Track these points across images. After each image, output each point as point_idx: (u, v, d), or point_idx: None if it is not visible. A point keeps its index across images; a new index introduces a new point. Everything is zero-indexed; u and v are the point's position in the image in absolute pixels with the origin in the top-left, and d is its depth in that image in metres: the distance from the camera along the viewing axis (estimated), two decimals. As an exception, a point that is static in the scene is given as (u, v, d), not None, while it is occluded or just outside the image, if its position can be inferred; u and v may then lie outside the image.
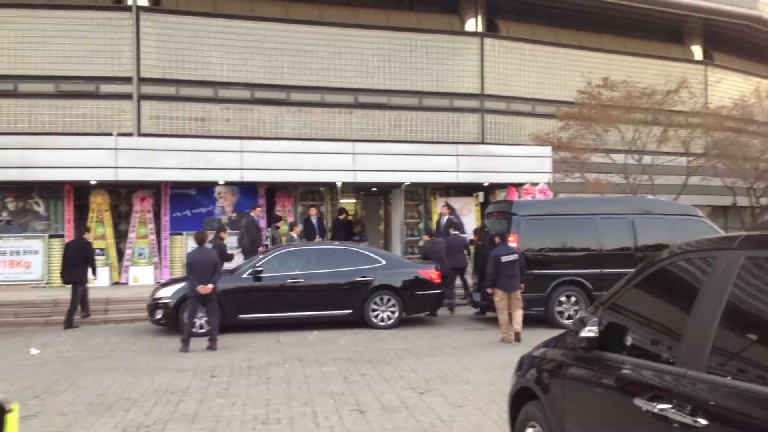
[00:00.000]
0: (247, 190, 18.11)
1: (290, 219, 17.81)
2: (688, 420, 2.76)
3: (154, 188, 17.48)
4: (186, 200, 17.75)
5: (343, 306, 12.38)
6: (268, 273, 12.27)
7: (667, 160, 21.70)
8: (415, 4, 23.86)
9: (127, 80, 20.21)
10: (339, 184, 18.04)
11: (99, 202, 17.21)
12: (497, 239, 11.44)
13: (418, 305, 12.81)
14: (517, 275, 11.06)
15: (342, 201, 19.07)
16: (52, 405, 7.20)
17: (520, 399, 4.51)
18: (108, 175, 16.01)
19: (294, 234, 15.49)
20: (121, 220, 17.63)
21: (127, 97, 20.26)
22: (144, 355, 10.21)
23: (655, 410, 2.95)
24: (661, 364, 3.16)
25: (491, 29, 24.38)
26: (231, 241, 17.02)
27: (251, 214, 15.86)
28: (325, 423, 6.38)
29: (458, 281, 14.88)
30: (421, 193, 19.75)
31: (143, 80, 20.39)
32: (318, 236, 16.45)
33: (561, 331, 4.43)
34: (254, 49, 21.28)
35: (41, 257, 16.77)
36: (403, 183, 18.23)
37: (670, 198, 20.49)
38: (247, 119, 21.33)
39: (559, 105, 22.86)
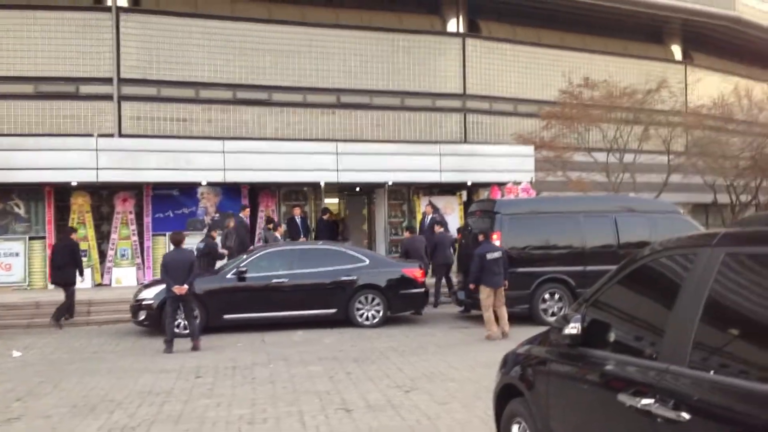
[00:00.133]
0: (230, 191, 18.05)
1: (275, 218, 17.77)
2: (671, 415, 2.80)
3: (135, 189, 17.37)
4: (168, 201, 17.66)
5: (328, 305, 12.39)
6: (252, 273, 12.25)
7: (648, 159, 21.90)
8: (396, 4, 23.88)
9: (107, 81, 20.06)
10: (322, 184, 18.03)
11: (80, 204, 17.09)
12: (481, 237, 11.52)
13: (403, 304, 12.84)
14: (502, 273, 11.20)
15: (326, 201, 19.07)
16: (35, 407, 7.15)
17: (505, 396, 4.55)
18: (89, 177, 15.88)
19: (278, 234, 15.47)
20: (102, 221, 17.50)
21: (107, 98, 20.11)
22: (128, 356, 10.15)
23: (639, 405, 2.99)
24: (644, 360, 3.20)
25: (473, 30, 24.47)
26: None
27: (240, 215, 15.85)
28: (311, 422, 6.39)
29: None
30: (404, 193, 19.80)
31: (124, 81, 20.25)
32: (302, 236, 16.44)
33: (545, 329, 4.47)
34: (236, 50, 21.21)
35: (22, 259, 16.62)
36: (386, 183, 18.26)
37: (652, 196, 20.71)
38: (229, 120, 21.25)
39: (541, 104, 22.99)
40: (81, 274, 13.61)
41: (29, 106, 19.66)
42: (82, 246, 16.32)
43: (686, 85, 26.26)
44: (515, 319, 11.84)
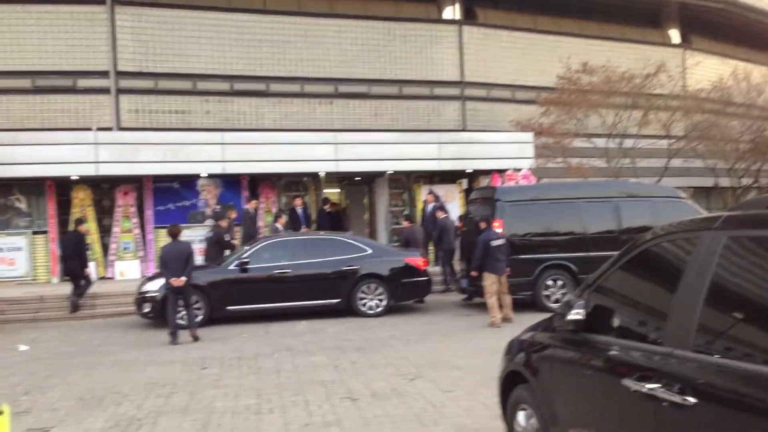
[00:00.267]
0: (229, 182, 18.06)
1: (274, 210, 17.80)
2: (677, 398, 2.83)
3: (136, 182, 17.38)
4: (169, 194, 17.67)
5: (331, 295, 12.43)
6: (255, 264, 12.29)
7: (648, 143, 21.90)
8: (393, -8, 23.82)
9: (104, 74, 20.03)
10: (322, 174, 18.03)
11: (81, 198, 17.10)
12: (483, 225, 11.55)
13: (406, 293, 12.88)
14: (504, 259, 11.28)
15: (326, 191, 19.09)
16: (42, 401, 7.20)
17: (510, 383, 4.58)
18: (89, 170, 15.88)
19: (279, 225, 15.50)
20: (104, 214, 17.52)
21: (105, 91, 20.08)
22: (133, 348, 10.20)
23: (644, 390, 3.01)
24: (648, 345, 3.22)
25: (469, 17, 24.40)
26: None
27: (247, 206, 15.93)
28: (317, 411, 6.44)
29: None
30: (404, 182, 19.80)
31: (121, 74, 20.22)
32: (303, 226, 16.47)
33: (548, 315, 4.50)
34: (232, 41, 21.15)
35: (25, 254, 16.66)
36: (386, 172, 18.26)
37: (653, 180, 20.72)
38: (227, 111, 21.23)
39: (539, 91, 22.94)
40: (84, 266, 13.70)
41: (27, 101, 19.64)
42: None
43: (684, 68, 26.21)
44: (518, 305, 11.90)
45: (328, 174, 18.08)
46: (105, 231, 17.37)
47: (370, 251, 12.89)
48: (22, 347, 10.49)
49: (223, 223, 14.49)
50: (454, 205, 18.96)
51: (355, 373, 7.94)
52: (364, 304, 12.48)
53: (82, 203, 17.04)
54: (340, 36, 22.23)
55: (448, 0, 24.19)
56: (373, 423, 6.02)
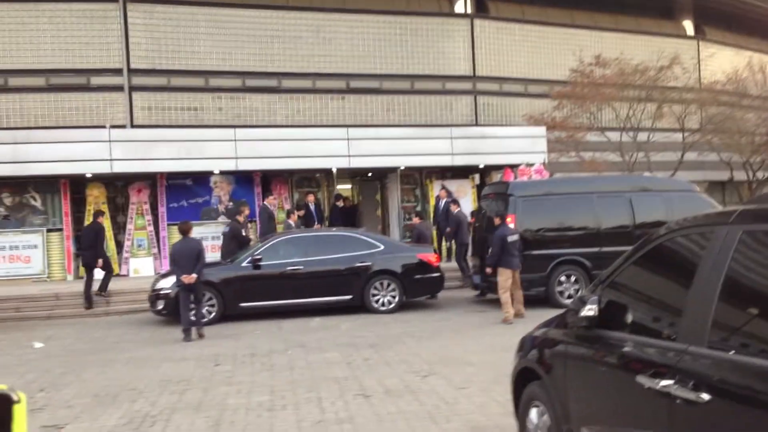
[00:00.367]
0: (242, 179, 18.12)
1: (286, 206, 17.84)
2: (691, 396, 2.79)
3: (149, 179, 17.49)
4: (182, 190, 17.76)
5: (344, 292, 12.44)
6: (267, 261, 12.31)
7: (662, 137, 21.72)
8: (404, -14, 23.73)
9: (117, 72, 20.10)
10: (334, 170, 18.04)
11: (96, 195, 17.22)
12: (497, 220, 11.51)
13: (419, 289, 12.87)
14: (518, 255, 11.27)
15: (338, 187, 19.09)
16: (58, 398, 7.25)
17: (523, 379, 4.55)
18: (103, 168, 15.98)
19: (292, 221, 15.52)
20: (118, 212, 17.65)
21: (118, 88, 20.16)
22: (147, 345, 10.26)
23: (658, 387, 2.98)
24: (662, 341, 3.19)
25: (481, 10, 24.26)
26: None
27: (264, 203, 15.99)
28: (330, 408, 6.44)
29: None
30: (417, 177, 19.78)
31: (134, 71, 20.28)
32: (316, 223, 16.49)
33: (561, 311, 4.47)
34: (244, 37, 21.16)
35: (41, 251, 16.81)
36: (398, 167, 18.23)
37: (667, 174, 20.54)
38: (240, 107, 21.25)
39: (552, 84, 22.79)
40: (99, 256, 13.79)
41: (41, 99, 19.74)
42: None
43: (699, 60, 25.97)
44: (531, 301, 11.85)
45: (341, 170, 18.08)
46: (119, 228, 17.48)
47: (382, 247, 12.87)
48: (38, 344, 10.58)
49: (241, 218, 14.56)
50: (467, 200, 18.90)
51: (368, 370, 7.93)
52: (376, 301, 12.47)
53: (96, 201, 17.17)
54: (351, 31, 22.18)
55: (460, -7, 24.09)
56: (386, 420, 6.01)
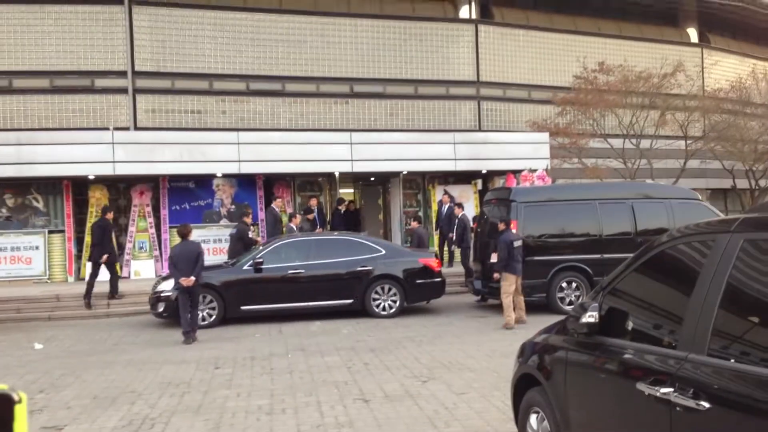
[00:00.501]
0: (245, 182, 18.13)
1: (289, 210, 17.85)
2: (690, 403, 2.79)
3: (152, 182, 17.50)
4: (185, 193, 17.78)
5: (345, 296, 12.43)
6: (269, 264, 12.30)
7: (665, 144, 21.72)
8: (409, -9, 23.77)
9: (121, 74, 20.15)
10: (337, 174, 18.04)
11: (98, 197, 17.24)
12: (502, 226, 11.48)
13: (420, 293, 12.85)
14: (522, 260, 11.29)
15: (341, 191, 19.09)
16: (57, 399, 7.25)
17: (523, 385, 4.54)
18: (106, 170, 16.01)
19: (293, 225, 15.52)
20: (120, 214, 17.66)
21: (122, 91, 20.21)
22: (147, 348, 10.25)
23: (658, 394, 2.97)
24: (663, 348, 3.18)
25: (485, 15, 24.31)
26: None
27: (272, 205, 16.02)
28: (330, 412, 6.42)
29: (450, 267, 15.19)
30: (419, 182, 19.79)
31: (138, 74, 20.34)
32: (318, 227, 16.49)
33: (562, 317, 4.46)
34: (248, 41, 21.21)
35: (42, 253, 16.82)
36: (401, 172, 18.24)
37: (669, 182, 20.53)
38: (243, 111, 21.29)
39: (555, 90, 22.81)
40: (105, 251, 13.81)
41: (45, 101, 19.80)
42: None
43: (703, 68, 25.97)
44: (532, 307, 11.85)
45: (343, 174, 18.08)
46: (121, 230, 17.50)
47: (383, 252, 12.86)
48: (38, 345, 10.58)
49: (248, 219, 14.61)
50: (469, 206, 18.91)
51: (368, 374, 7.92)
52: (377, 305, 12.46)
53: (98, 202, 17.17)
54: (355, 35, 22.22)
55: (464, -1, 24.13)
56: (385, 424, 5.99)
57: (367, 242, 13.12)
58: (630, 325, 3.55)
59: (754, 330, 2.87)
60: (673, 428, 2.94)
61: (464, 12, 24.13)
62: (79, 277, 16.95)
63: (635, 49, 24.95)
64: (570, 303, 12.14)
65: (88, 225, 16.95)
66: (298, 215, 16.37)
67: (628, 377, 3.31)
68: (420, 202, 19.84)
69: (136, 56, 20.29)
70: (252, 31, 21.25)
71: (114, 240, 15.41)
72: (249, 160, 16.75)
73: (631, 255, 3.88)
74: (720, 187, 25.79)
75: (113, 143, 16.06)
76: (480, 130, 22.91)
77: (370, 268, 12.51)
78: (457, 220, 15.93)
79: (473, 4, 24.06)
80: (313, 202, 17.23)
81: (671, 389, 2.91)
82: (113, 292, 13.92)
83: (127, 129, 19.54)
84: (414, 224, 16.02)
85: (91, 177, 16.58)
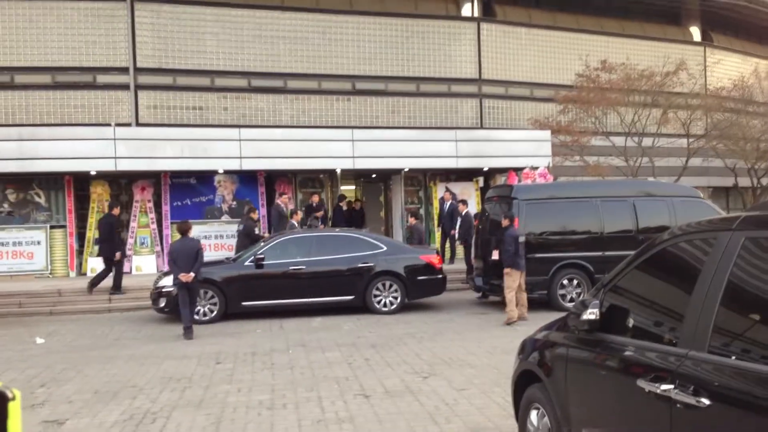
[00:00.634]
0: (246, 179, 18.14)
1: (291, 206, 17.87)
2: (691, 400, 2.79)
3: (153, 178, 17.52)
4: (186, 189, 17.80)
5: (346, 292, 12.44)
6: (270, 260, 12.31)
7: (667, 142, 21.70)
8: (411, -12, 23.74)
9: (123, 70, 20.14)
10: (338, 171, 18.04)
11: (99, 193, 17.27)
12: (506, 222, 11.48)
13: (421, 290, 12.85)
14: (524, 257, 11.32)
15: (342, 188, 19.11)
16: (59, 393, 7.27)
17: (523, 382, 4.55)
18: (107, 165, 16.03)
19: (294, 221, 15.54)
20: (121, 209, 17.64)
21: (124, 87, 20.19)
22: (149, 343, 10.27)
23: (658, 391, 2.98)
24: (664, 345, 3.19)
25: (487, 13, 24.27)
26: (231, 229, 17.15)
27: (277, 201, 16.05)
28: (330, 407, 6.44)
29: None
30: (421, 179, 19.79)
31: (140, 70, 20.32)
32: (320, 223, 16.51)
33: (563, 314, 4.47)
34: (250, 37, 21.19)
35: (44, 248, 16.85)
36: (402, 169, 18.24)
37: (671, 180, 20.53)
38: (245, 108, 21.27)
39: (557, 88, 22.79)
40: (117, 249, 13.90)
41: (47, 96, 19.79)
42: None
43: (705, 66, 25.93)
44: (533, 304, 11.87)
45: (345, 171, 18.09)
46: (122, 226, 17.50)
47: (385, 248, 12.87)
48: (39, 340, 10.61)
49: (254, 215, 14.67)
50: (471, 203, 18.91)
51: (369, 370, 7.94)
52: (378, 301, 12.47)
53: (100, 198, 17.21)
54: (358, 33, 22.20)
55: (467, -3, 24.10)
56: (386, 420, 6.01)
57: (368, 239, 13.13)
58: (631, 322, 3.56)
59: (755, 328, 2.88)
60: (673, 425, 2.94)
61: (466, 10, 24.10)
62: (80, 272, 16.99)
63: (638, 47, 24.90)
64: (571, 300, 12.15)
65: (90, 220, 17.03)
66: (299, 211, 16.41)
67: (629, 374, 3.31)
68: (421, 199, 19.85)
69: (138, 52, 20.27)
70: (254, 28, 21.23)
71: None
72: (250, 157, 16.77)
73: (633, 253, 3.89)
74: (722, 185, 25.77)
75: (115, 139, 16.09)
76: (482, 127, 22.88)
77: (371, 264, 12.52)
78: (461, 218, 15.92)
79: (476, 2, 24.02)
80: (315, 198, 17.24)
81: (672, 386, 2.92)
82: (116, 288, 13.95)
83: (128, 125, 19.53)
84: (411, 220, 16.06)
85: (93, 173, 16.61)
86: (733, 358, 2.76)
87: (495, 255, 12.19)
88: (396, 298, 12.52)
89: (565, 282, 12.50)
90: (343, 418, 6.09)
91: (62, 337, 10.95)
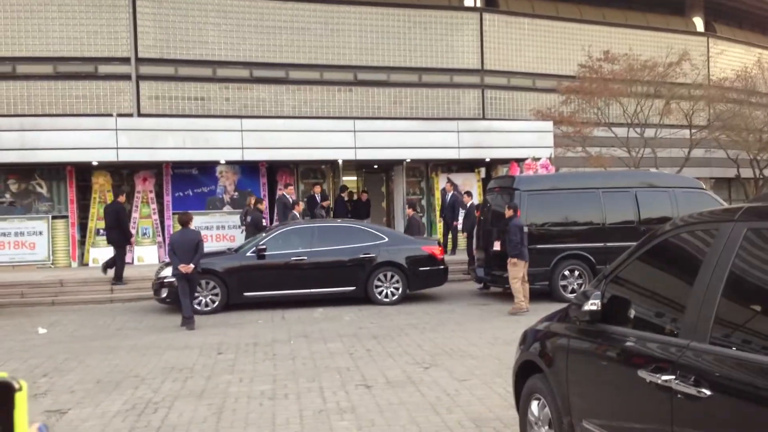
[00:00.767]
0: (248, 169, 18.13)
1: (293, 196, 17.85)
2: (692, 391, 2.79)
3: (155, 168, 17.52)
4: (188, 180, 17.80)
5: (347, 283, 12.45)
6: (272, 251, 12.32)
7: (669, 133, 21.65)
8: (413, -21, 23.65)
9: (125, 60, 20.11)
10: (340, 162, 18.03)
11: (101, 183, 17.27)
12: (510, 212, 11.48)
13: (422, 281, 12.86)
14: (527, 247, 11.35)
15: (344, 178, 19.09)
16: (61, 383, 7.29)
17: (524, 372, 4.55)
18: (109, 156, 16.03)
19: (296, 212, 15.53)
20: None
21: (125, 77, 20.18)
22: (151, 333, 10.29)
23: (659, 381, 2.98)
24: (665, 336, 3.19)
25: (490, 4, 24.19)
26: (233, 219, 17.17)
27: (283, 192, 16.08)
28: (332, 398, 6.45)
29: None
30: (422, 170, 19.77)
31: (141, 60, 20.29)
32: (326, 213, 16.53)
33: (564, 305, 4.46)
34: (252, 28, 21.14)
35: (45, 238, 16.86)
36: (404, 160, 18.22)
37: (673, 171, 20.49)
38: (247, 98, 21.25)
39: (560, 79, 22.74)
40: (125, 236, 14.13)
41: (48, 87, 19.79)
42: (103, 225, 16.58)
43: (708, 57, 25.84)
44: (534, 295, 11.87)
45: (347, 161, 18.08)
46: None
47: (386, 239, 12.87)
48: (41, 330, 10.63)
49: (261, 206, 14.71)
50: (473, 194, 18.88)
51: (371, 361, 7.95)
52: (380, 292, 12.48)
53: (101, 188, 17.22)
54: (360, 23, 22.13)
55: (469, -13, 24.01)
56: (387, 410, 6.02)
57: (370, 229, 13.13)
58: (632, 313, 3.56)
59: (756, 318, 2.88)
60: (674, 415, 2.95)
61: (469, 0, 24.01)
62: (82, 263, 17.02)
63: (641, 38, 24.81)
64: (572, 291, 12.15)
65: (92, 211, 17.04)
66: (301, 202, 16.39)
67: (630, 365, 3.31)
68: (423, 190, 19.84)
69: (140, 43, 20.23)
70: (256, 18, 21.18)
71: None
72: (252, 147, 16.76)
73: (634, 243, 3.88)
74: (724, 176, 25.75)
75: (116, 129, 16.08)
76: (484, 118, 22.85)
77: (372, 255, 12.52)
78: (466, 209, 15.88)
79: (478, -9, 23.94)
80: (317, 189, 17.23)
81: (673, 377, 2.92)
82: (118, 278, 13.99)
83: (130, 115, 19.53)
84: (409, 211, 16.06)
85: (95, 163, 16.61)
86: (734, 349, 2.76)
87: (496, 246, 12.19)
88: (397, 288, 12.53)
89: (567, 273, 12.49)
90: (344, 408, 6.11)
91: (64, 328, 10.97)
